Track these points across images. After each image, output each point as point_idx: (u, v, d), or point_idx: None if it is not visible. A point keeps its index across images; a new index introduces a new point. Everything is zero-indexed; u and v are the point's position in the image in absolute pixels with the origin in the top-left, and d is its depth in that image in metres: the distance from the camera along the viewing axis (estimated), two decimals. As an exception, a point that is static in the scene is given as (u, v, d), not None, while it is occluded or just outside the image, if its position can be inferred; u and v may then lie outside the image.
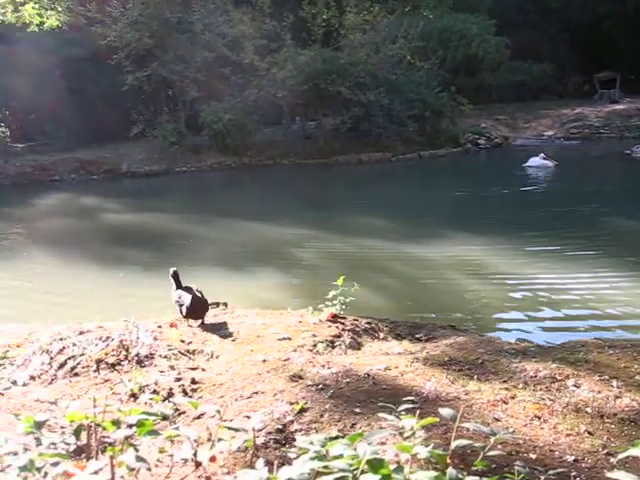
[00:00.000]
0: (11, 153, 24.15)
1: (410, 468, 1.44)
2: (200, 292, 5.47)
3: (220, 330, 5.16)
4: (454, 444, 1.48)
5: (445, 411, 1.59)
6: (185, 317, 5.37)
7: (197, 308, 5.36)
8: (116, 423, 1.68)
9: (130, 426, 1.68)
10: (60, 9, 24.60)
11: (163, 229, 13.53)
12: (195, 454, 1.55)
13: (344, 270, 6.61)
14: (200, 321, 5.39)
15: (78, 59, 25.73)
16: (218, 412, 1.65)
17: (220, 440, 1.59)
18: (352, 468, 1.37)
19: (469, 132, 25.47)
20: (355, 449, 1.43)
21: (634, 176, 18.18)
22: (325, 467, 1.40)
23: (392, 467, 1.39)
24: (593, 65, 32.88)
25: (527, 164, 19.46)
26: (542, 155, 19.54)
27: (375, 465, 1.37)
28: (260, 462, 1.56)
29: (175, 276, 5.64)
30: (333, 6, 26.15)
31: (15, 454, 1.67)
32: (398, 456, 1.50)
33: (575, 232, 10.71)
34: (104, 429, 1.80)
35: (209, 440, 1.63)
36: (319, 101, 24.53)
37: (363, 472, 1.36)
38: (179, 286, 5.56)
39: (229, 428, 1.64)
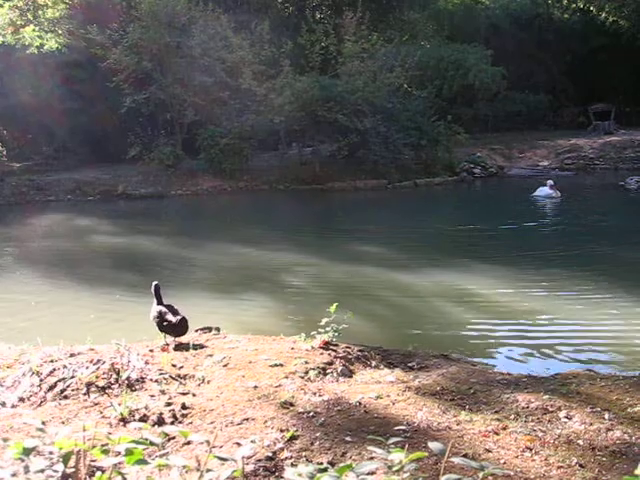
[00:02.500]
0: (7, 172, 24.15)
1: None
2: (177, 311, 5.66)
3: (212, 355, 5.14)
4: (443, 479, 1.48)
5: (434, 445, 1.59)
6: (165, 332, 5.51)
7: (183, 327, 5.53)
8: (105, 451, 1.67)
9: (119, 454, 1.68)
10: (60, 32, 24.75)
11: (157, 252, 13.51)
12: (183, 484, 1.55)
13: (337, 297, 6.60)
14: (178, 340, 5.51)
15: (77, 81, 25.88)
16: (207, 442, 1.64)
17: (209, 470, 1.59)
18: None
19: (465, 161, 25.57)
20: (344, 481, 1.43)
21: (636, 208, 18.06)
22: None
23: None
24: (588, 97, 33.19)
25: (535, 194, 19.07)
26: (550, 183, 19.05)
27: (363, 498, 1.37)
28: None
29: (157, 290, 5.73)
30: (331, 34, 26.35)
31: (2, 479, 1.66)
32: (387, 488, 1.49)
33: (575, 266, 10.55)
34: (93, 455, 1.79)
35: (198, 469, 1.62)
36: (316, 127, 24.65)
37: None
38: (160, 302, 5.67)
39: (218, 457, 1.64)
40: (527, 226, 15.17)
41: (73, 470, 1.81)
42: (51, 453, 1.82)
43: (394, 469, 1.47)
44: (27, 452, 1.68)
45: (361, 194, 22.81)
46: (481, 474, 1.49)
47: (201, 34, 24.75)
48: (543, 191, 18.95)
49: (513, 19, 36.61)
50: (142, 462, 1.64)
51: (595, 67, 33.72)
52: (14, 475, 1.67)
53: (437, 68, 30.96)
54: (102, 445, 1.85)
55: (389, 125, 23.93)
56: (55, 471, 1.70)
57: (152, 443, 1.76)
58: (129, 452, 1.64)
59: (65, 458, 1.72)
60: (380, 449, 1.58)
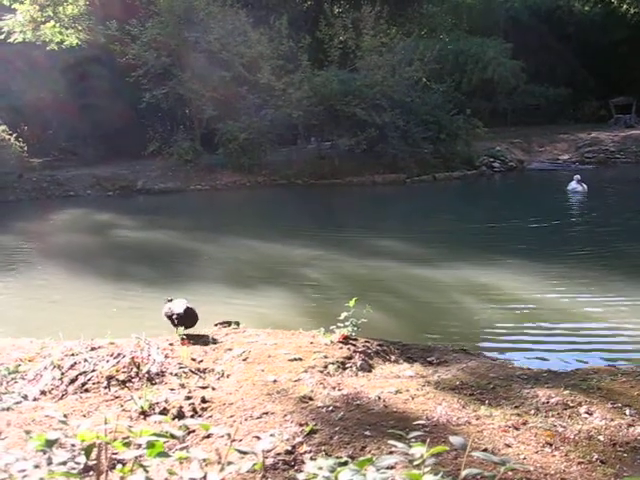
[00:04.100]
0: (27, 168, 24.33)
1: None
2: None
3: (231, 349, 5.16)
4: (463, 473, 1.47)
5: (455, 439, 1.58)
6: (177, 325, 5.57)
7: (190, 317, 5.58)
8: (126, 443, 1.68)
9: (140, 446, 1.69)
10: (80, 28, 24.86)
11: (176, 247, 13.56)
12: (205, 477, 1.55)
13: (356, 291, 6.61)
14: (192, 332, 5.58)
15: (96, 76, 26.01)
16: (228, 435, 1.65)
17: (229, 463, 1.60)
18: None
19: (484, 155, 25.43)
20: (364, 475, 1.43)
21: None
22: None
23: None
24: (609, 90, 32.86)
25: (568, 188, 18.68)
26: (577, 177, 18.69)
27: (384, 492, 1.37)
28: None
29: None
30: (350, 28, 26.28)
31: (25, 471, 1.68)
32: (407, 482, 1.49)
33: (599, 266, 10.29)
34: (114, 448, 1.81)
35: (218, 462, 1.63)
36: (334, 122, 24.61)
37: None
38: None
39: (238, 450, 1.64)
40: (551, 223, 14.77)
41: (95, 462, 1.83)
42: (73, 445, 1.84)
43: (415, 463, 1.47)
44: (49, 444, 1.70)
45: (380, 188, 22.76)
46: (502, 469, 1.48)
47: (219, 29, 24.77)
48: (570, 185, 18.70)
49: (532, 12, 36.31)
50: (163, 455, 1.65)
51: (616, 60, 33.39)
52: (37, 467, 1.69)
53: (456, 62, 30.86)
54: (123, 438, 1.86)
55: (408, 119, 23.86)
56: (77, 463, 1.72)
57: (173, 436, 1.77)
58: (150, 445, 1.65)
59: (87, 450, 1.73)
60: (400, 443, 1.58)
